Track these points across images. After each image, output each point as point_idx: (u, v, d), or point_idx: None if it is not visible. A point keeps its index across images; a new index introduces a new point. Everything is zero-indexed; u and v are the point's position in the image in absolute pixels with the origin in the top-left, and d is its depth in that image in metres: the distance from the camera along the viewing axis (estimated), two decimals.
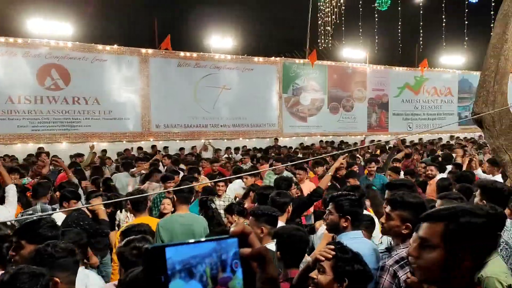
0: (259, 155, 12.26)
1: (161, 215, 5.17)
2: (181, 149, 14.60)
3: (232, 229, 0.81)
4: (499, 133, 4.25)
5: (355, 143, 17.06)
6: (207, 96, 16.19)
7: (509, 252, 3.09)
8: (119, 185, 7.75)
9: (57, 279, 2.28)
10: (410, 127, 20.19)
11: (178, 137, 15.71)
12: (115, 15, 19.87)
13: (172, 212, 4.91)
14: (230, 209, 4.79)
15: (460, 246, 1.33)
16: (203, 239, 0.77)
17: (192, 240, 0.76)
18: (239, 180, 6.94)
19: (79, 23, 16.03)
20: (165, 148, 14.56)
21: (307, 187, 6.11)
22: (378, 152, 12.97)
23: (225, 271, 0.76)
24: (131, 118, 15.03)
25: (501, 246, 3.05)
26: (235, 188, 6.94)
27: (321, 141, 17.44)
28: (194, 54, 16.27)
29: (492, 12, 18.15)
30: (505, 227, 2.80)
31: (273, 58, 17.70)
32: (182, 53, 16.01)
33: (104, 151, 13.62)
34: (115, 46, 14.91)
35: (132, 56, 15.09)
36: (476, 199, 3.58)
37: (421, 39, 20.15)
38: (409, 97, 20.74)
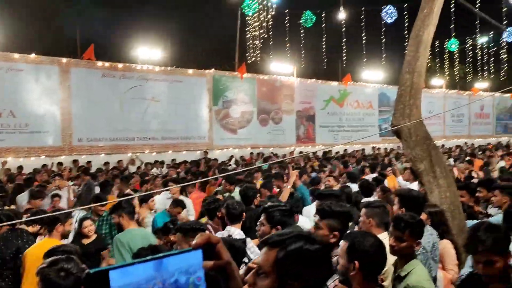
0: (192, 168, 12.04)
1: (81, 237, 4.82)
2: (106, 163, 14.00)
3: (195, 241, 0.78)
4: (414, 144, 4.52)
5: (284, 155, 17.39)
6: (135, 108, 15.71)
7: (426, 256, 3.27)
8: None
9: None
10: (336, 139, 21.01)
11: (103, 151, 15.04)
12: (34, 23, 18.78)
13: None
14: (166, 230, 4.63)
15: (289, 274, 1.24)
16: (160, 255, 0.72)
17: (145, 258, 0.71)
18: (166, 192, 6.80)
19: None
20: (88, 162, 13.85)
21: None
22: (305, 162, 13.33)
23: (181, 285, 0.72)
24: (50, 132, 14.16)
25: (419, 250, 3.21)
26: (162, 198, 6.79)
27: (251, 153, 17.57)
28: (120, 65, 15.76)
29: (406, 32, 19.56)
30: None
31: (202, 70, 17.63)
32: (106, 64, 15.43)
33: (20, 167, 12.65)
34: (33, 55, 14.03)
35: (51, 65, 14.28)
36: (395, 207, 3.76)
37: (344, 54, 21.20)
38: (334, 110, 21.61)
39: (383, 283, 2.59)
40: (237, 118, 18.34)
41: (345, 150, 19.39)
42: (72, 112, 14.50)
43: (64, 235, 4.41)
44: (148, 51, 17.30)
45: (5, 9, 15.64)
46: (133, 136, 15.71)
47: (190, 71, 17.37)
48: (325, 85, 21.57)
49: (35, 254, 3.65)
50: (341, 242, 2.41)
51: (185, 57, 19.74)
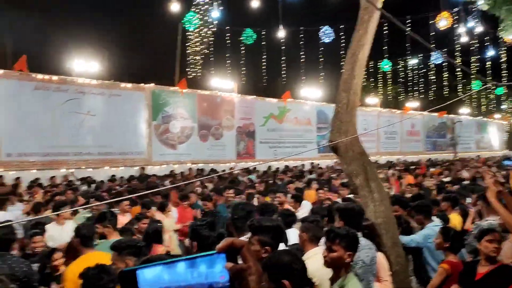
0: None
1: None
2: (36, 179, 13.23)
3: (219, 245, 0.80)
4: (351, 159, 4.71)
5: (224, 170, 17.34)
6: (69, 122, 15.04)
7: (365, 270, 3.39)
8: None
9: None
10: (276, 155, 21.32)
11: (34, 166, 14.21)
12: None
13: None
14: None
15: None
16: (186, 257, 0.77)
17: (171, 259, 0.77)
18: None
19: None
20: (17, 178, 13.02)
21: None
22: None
23: None
24: None
25: (358, 264, 3.33)
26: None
27: (190, 168, 17.38)
28: (54, 77, 15.07)
29: (342, 52, 20.48)
30: (359, 245, 3.05)
31: (141, 84, 17.28)
32: (40, 76, 14.71)
33: None
34: None
35: None
36: (336, 223, 3.89)
37: (283, 72, 21.76)
38: (274, 126, 21.98)
39: None
40: (176, 134, 18.11)
41: (286, 166, 19.73)
42: (1, 126, 13.62)
43: None
44: (85, 64, 16.74)
45: None
46: (67, 151, 15.00)
47: (129, 85, 16.97)
48: (265, 101, 21.91)
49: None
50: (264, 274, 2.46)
51: (124, 71, 19.32)
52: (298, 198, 7.26)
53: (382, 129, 25.71)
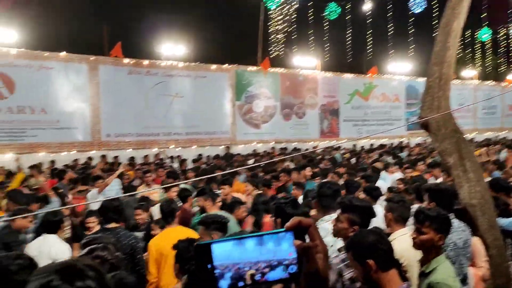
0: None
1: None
2: (132, 158, 14.25)
3: (287, 223, 0.85)
4: (443, 137, 4.40)
5: (307, 149, 17.25)
6: (159, 104, 15.91)
7: (457, 253, 3.19)
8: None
9: None
10: (360, 133, 20.74)
11: (130, 146, 15.31)
12: (63, 22, 19.23)
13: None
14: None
15: None
16: (257, 233, 0.83)
17: (245, 235, 0.83)
18: None
19: (25, 29, 15.34)
20: (115, 157, 14.14)
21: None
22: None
23: (274, 265, 0.82)
24: (80, 128, 14.50)
25: (450, 247, 3.15)
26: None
27: (273, 147, 17.56)
28: (145, 61, 15.97)
29: (435, 21, 19.09)
30: (452, 228, 2.88)
31: (225, 65, 17.68)
32: (132, 60, 15.66)
33: (52, 162, 13.04)
34: (63, 53, 14.35)
35: (80, 63, 14.59)
36: (425, 203, 3.70)
37: (369, 46, 20.88)
38: (359, 104, 21.32)
39: (407, 275, 2.55)
40: (260, 113, 18.33)
41: (371, 144, 19.15)
42: (100, 109, 14.81)
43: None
44: (172, 47, 17.48)
45: (35, 9, 16.05)
46: (158, 132, 15.93)
47: (213, 66, 17.45)
48: (350, 78, 21.30)
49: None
50: (342, 256, 2.43)
51: (209, 53, 19.86)
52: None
53: (480, 104, 23.76)
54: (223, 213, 4.73)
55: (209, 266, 0.79)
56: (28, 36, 15.31)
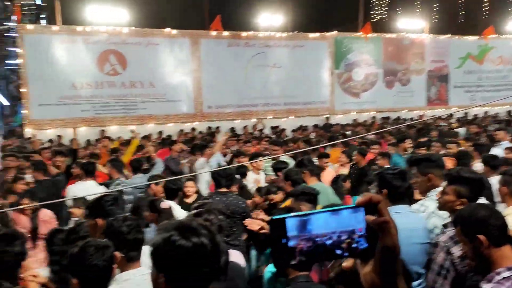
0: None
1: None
2: (232, 129, 14.76)
3: (357, 199, 0.88)
4: None
5: (411, 119, 16.31)
6: (257, 75, 16.13)
7: None
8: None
9: (117, 254, 2.33)
10: (474, 100, 19.01)
11: (229, 117, 15.86)
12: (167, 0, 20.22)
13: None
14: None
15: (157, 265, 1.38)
16: (329, 209, 0.86)
17: (318, 210, 0.86)
18: None
19: (133, 8, 16.43)
20: (217, 128, 14.78)
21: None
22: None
23: (345, 240, 0.85)
24: (183, 100, 15.34)
25: None
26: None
27: (373, 117, 16.89)
28: (243, 33, 16.20)
29: None
30: None
31: (324, 33, 17.22)
32: (232, 33, 15.99)
33: (160, 132, 14.06)
34: (167, 30, 15.16)
35: (183, 38, 15.30)
36: None
37: (485, 4, 18.79)
38: (472, 68, 19.47)
39: None
40: (360, 81, 17.66)
41: (486, 112, 17.49)
42: (202, 81, 15.47)
43: None
44: (270, 18, 17.48)
45: None
46: (256, 103, 16.22)
47: (312, 34, 17.10)
48: (461, 40, 19.46)
49: None
50: (449, 232, 2.27)
51: (306, 21, 19.52)
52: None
53: None
54: (319, 185, 4.73)
55: (283, 240, 0.83)
56: (136, 15, 16.42)
